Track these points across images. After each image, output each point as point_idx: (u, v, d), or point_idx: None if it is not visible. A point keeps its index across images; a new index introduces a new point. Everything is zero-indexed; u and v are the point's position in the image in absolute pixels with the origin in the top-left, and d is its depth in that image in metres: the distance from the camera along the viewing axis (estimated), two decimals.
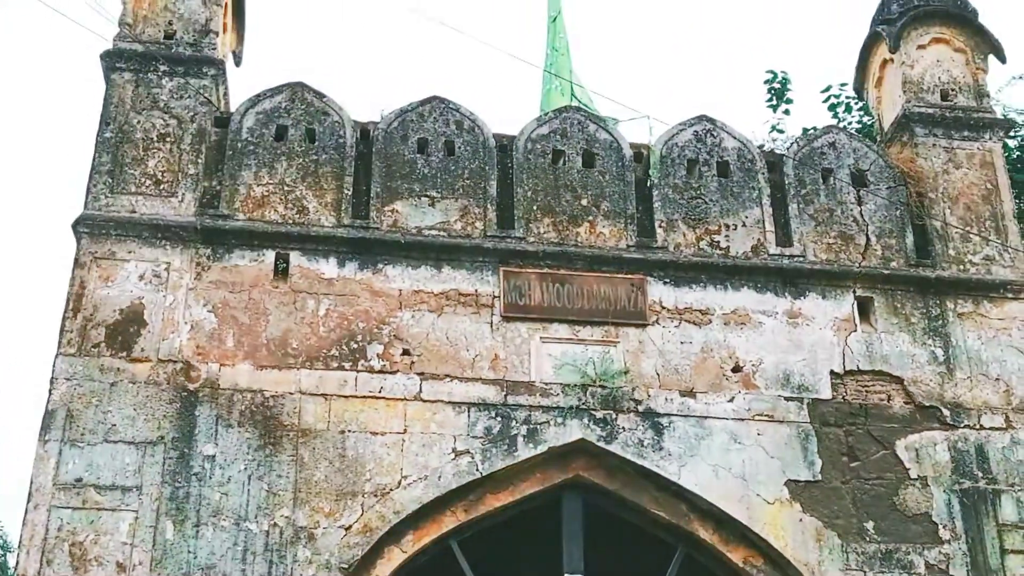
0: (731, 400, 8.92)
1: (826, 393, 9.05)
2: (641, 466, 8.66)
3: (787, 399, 8.98)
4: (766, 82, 13.63)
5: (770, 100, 13.65)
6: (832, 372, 9.12)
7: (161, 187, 8.99)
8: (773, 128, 12.82)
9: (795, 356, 9.14)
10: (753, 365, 9.07)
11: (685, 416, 8.82)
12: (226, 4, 10.05)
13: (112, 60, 9.36)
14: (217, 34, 9.67)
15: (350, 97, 9.65)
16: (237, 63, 10.58)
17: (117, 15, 9.60)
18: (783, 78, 13.55)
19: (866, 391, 9.12)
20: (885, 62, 10.86)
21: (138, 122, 9.18)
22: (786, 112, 13.44)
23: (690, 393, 8.90)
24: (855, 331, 9.29)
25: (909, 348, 9.31)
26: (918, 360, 9.27)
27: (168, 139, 9.16)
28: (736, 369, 9.04)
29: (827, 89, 13.77)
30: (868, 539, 8.61)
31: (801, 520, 8.61)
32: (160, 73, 9.37)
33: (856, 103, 13.50)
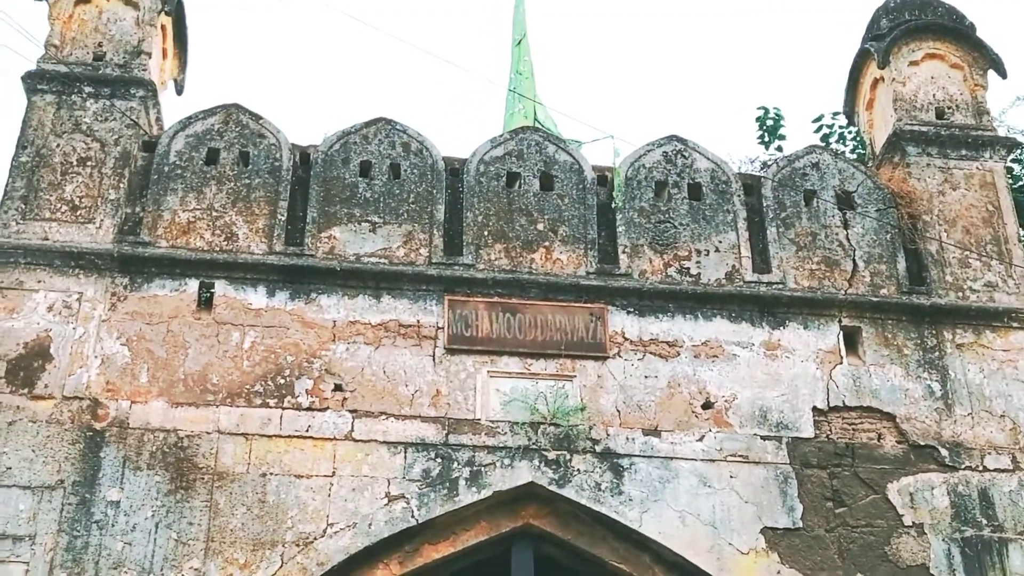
0: (700, 439, 8.02)
1: (808, 431, 8.12)
2: (598, 512, 7.76)
3: (764, 438, 8.07)
4: (758, 119, 12.87)
5: (761, 137, 12.86)
6: (815, 408, 8.22)
7: (78, 213, 8.34)
8: (764, 165, 12.01)
9: (773, 391, 8.24)
10: (726, 401, 8.18)
11: (648, 457, 7.92)
12: (164, 28, 9.50)
13: (34, 81, 8.77)
14: (149, 55, 9.07)
15: (303, 123, 9.01)
16: (179, 91, 9.97)
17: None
18: (776, 114, 12.79)
19: (853, 429, 8.19)
20: (876, 82, 10.08)
21: (58, 145, 8.57)
22: (778, 149, 12.63)
23: (654, 432, 8.01)
24: (841, 364, 8.39)
25: (902, 382, 8.38)
26: (912, 395, 8.34)
27: (89, 163, 8.52)
28: (707, 406, 8.14)
29: (819, 118, 12.97)
30: None
31: (779, 572, 7.65)
32: (85, 95, 8.77)
33: (850, 132, 12.69)
